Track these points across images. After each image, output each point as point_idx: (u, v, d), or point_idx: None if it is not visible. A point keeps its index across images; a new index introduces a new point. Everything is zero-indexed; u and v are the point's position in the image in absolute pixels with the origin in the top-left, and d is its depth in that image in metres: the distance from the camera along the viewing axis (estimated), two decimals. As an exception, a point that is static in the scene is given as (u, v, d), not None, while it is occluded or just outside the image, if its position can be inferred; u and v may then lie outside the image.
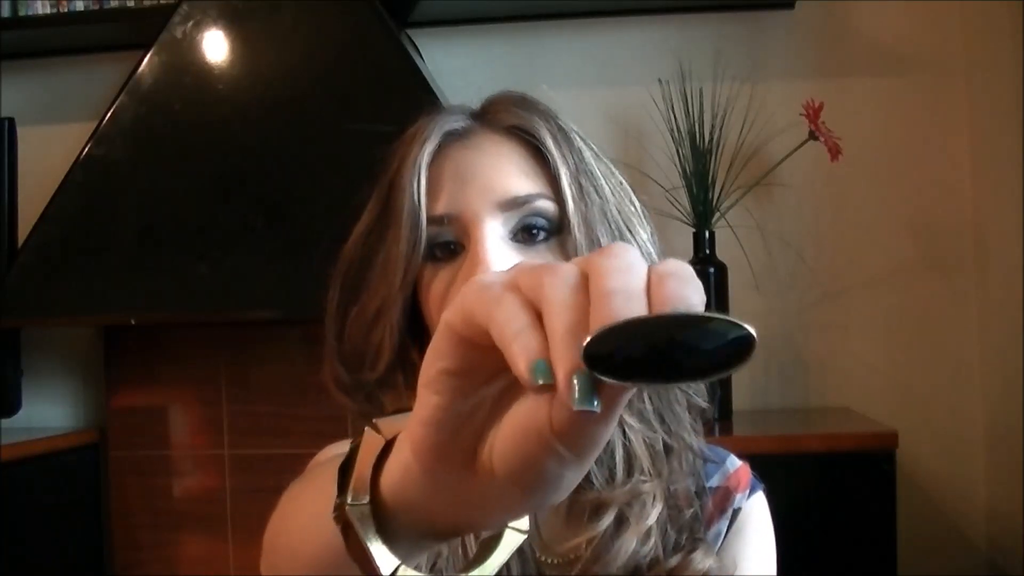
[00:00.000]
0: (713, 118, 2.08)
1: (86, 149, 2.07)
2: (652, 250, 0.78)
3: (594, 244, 0.72)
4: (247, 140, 2.04)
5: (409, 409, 0.42)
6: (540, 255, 0.72)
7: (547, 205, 0.73)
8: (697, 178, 2.05)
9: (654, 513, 0.75)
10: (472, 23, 2.33)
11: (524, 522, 0.47)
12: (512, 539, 0.47)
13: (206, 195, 2.05)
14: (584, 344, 0.36)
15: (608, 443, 0.76)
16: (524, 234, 0.73)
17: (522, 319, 0.37)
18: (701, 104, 2.09)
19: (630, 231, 0.76)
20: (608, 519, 0.74)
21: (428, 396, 0.40)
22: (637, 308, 0.36)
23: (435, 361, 0.40)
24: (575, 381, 0.36)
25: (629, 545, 0.73)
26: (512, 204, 0.72)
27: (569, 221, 0.72)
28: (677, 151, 2.08)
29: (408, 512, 0.44)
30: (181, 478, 2.32)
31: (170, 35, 2.06)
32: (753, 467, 0.89)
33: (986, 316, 2.18)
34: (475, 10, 2.29)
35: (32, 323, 2.24)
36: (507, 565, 0.70)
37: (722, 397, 2.01)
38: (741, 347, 0.38)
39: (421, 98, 1.99)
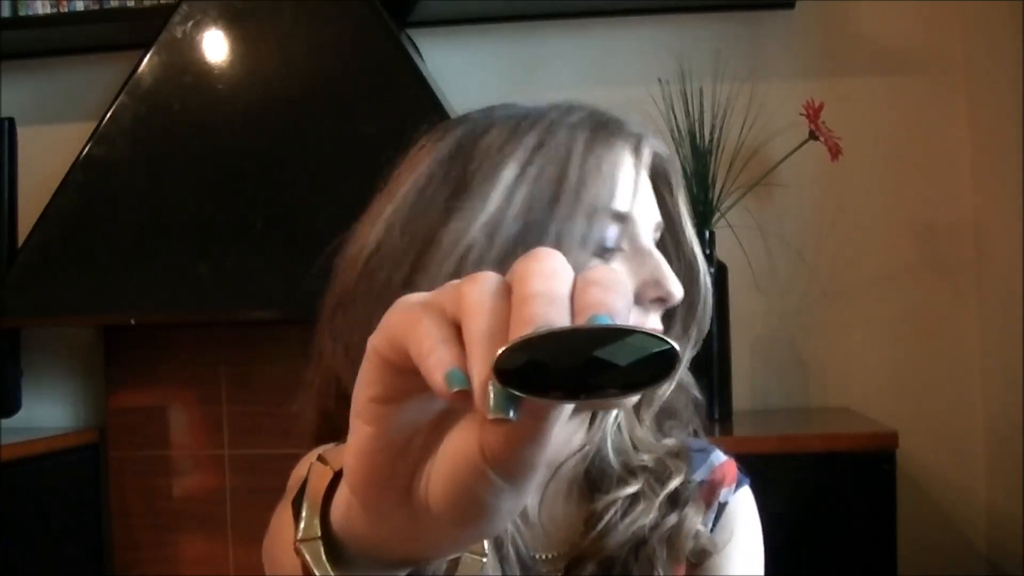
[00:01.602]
0: (713, 118, 2.08)
1: (86, 149, 2.07)
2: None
3: (695, 285, 0.78)
4: (247, 140, 2.05)
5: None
6: None
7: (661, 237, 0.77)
8: (697, 178, 2.05)
9: (652, 510, 0.76)
10: (472, 23, 2.33)
11: (483, 546, 0.46)
12: (470, 565, 0.47)
13: (206, 195, 2.05)
14: (496, 355, 0.34)
15: (623, 449, 0.78)
16: None
17: (438, 334, 0.36)
18: (701, 104, 2.09)
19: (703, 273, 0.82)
20: (611, 514, 0.75)
21: (359, 426, 0.39)
22: (557, 314, 0.35)
23: (363, 389, 0.39)
24: (490, 389, 0.35)
25: (626, 523, 0.75)
26: (658, 227, 0.75)
27: (697, 271, 0.80)
28: (677, 151, 2.08)
29: (357, 544, 0.43)
30: (181, 478, 2.32)
31: (170, 35, 2.06)
32: (753, 467, 0.89)
33: (986, 316, 2.18)
34: (475, 10, 2.29)
35: (32, 323, 2.25)
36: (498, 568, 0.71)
37: (722, 397, 2.01)
38: (663, 363, 0.36)
39: (421, 98, 1.99)
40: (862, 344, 2.24)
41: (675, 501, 0.77)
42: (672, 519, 0.76)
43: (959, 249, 2.21)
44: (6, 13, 2.28)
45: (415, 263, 0.68)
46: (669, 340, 0.35)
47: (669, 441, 0.81)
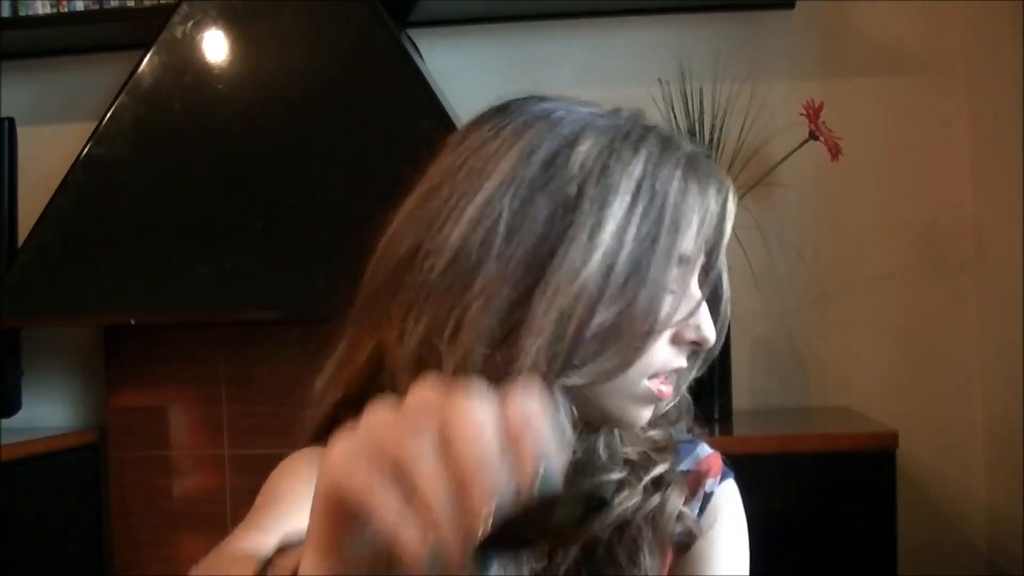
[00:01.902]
0: (713, 118, 2.08)
1: (86, 149, 2.07)
2: None
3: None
4: (247, 140, 2.05)
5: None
6: None
7: None
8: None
9: (636, 495, 0.77)
10: (472, 23, 2.33)
11: None
12: None
13: (206, 195, 2.05)
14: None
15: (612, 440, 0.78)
16: None
17: (397, 499, 0.39)
18: (701, 104, 2.09)
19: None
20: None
21: (315, 562, 0.42)
22: (501, 481, 0.38)
23: (314, 538, 0.42)
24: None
25: (608, 518, 0.76)
26: (703, 266, 0.76)
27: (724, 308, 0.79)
28: (677, 151, 2.08)
29: None
30: (181, 478, 2.32)
31: (170, 35, 2.06)
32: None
33: (986, 316, 2.18)
34: (475, 10, 2.29)
35: (32, 323, 2.25)
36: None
37: (722, 397, 2.01)
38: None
39: (421, 98, 1.99)
40: (862, 344, 2.24)
41: (658, 485, 0.78)
42: (655, 499, 0.77)
43: (959, 249, 2.21)
44: (6, 13, 2.28)
45: (528, 288, 0.66)
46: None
47: (654, 433, 0.81)
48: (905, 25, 2.24)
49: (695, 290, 0.73)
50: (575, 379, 0.67)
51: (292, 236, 2.01)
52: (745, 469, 0.86)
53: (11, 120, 2.29)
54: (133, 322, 2.10)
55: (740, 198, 2.24)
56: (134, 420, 2.33)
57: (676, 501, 0.78)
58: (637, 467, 0.79)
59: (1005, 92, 2.00)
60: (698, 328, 0.72)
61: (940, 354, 2.21)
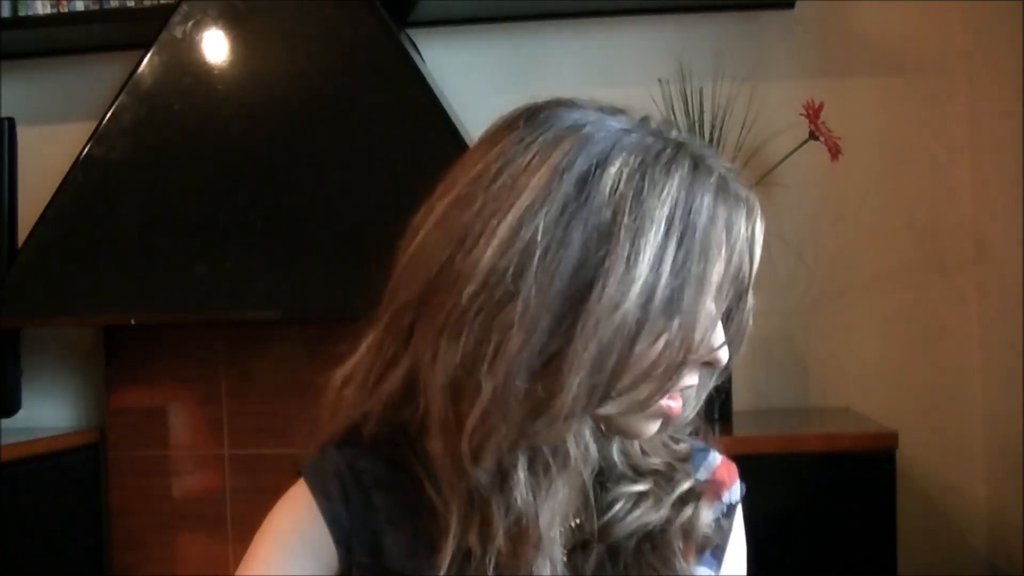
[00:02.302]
0: (713, 118, 2.08)
1: (86, 149, 2.07)
2: None
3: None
4: (247, 140, 2.04)
5: None
6: None
7: None
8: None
9: (662, 507, 0.78)
10: (472, 23, 2.33)
11: None
12: None
13: (206, 195, 2.05)
14: None
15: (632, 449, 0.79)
16: None
17: None
18: (701, 104, 2.09)
19: None
20: (619, 507, 0.77)
21: None
22: None
23: None
24: None
25: (633, 512, 0.77)
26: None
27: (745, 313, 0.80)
28: (677, 151, 2.08)
29: None
30: (181, 478, 2.32)
31: (170, 35, 2.06)
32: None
33: (986, 316, 2.18)
34: (475, 10, 2.29)
35: (32, 323, 2.25)
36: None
37: (722, 397, 2.01)
38: None
39: (421, 98, 1.99)
40: (862, 344, 2.24)
41: (685, 500, 0.79)
42: (688, 512, 0.78)
43: (959, 249, 2.21)
44: (6, 13, 2.28)
45: (567, 320, 0.65)
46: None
47: (680, 446, 0.83)
48: (905, 25, 2.24)
49: (712, 309, 0.72)
50: (610, 409, 0.70)
51: (292, 236, 2.01)
52: (745, 469, 0.87)
53: (11, 120, 2.29)
54: (133, 322, 2.10)
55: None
56: (134, 420, 2.33)
57: (708, 515, 0.79)
58: (662, 478, 0.80)
59: (1005, 92, 2.00)
60: (711, 349, 0.72)
61: (940, 354, 2.21)
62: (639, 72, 2.23)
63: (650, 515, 0.77)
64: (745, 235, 0.72)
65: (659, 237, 0.67)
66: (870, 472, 1.81)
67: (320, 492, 0.77)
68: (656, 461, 0.80)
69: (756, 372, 2.24)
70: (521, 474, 0.69)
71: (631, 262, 0.66)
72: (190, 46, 2.07)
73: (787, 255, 2.23)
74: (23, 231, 2.16)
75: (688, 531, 0.78)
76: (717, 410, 1.98)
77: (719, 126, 2.08)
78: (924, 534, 2.10)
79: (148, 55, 2.06)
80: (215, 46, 2.07)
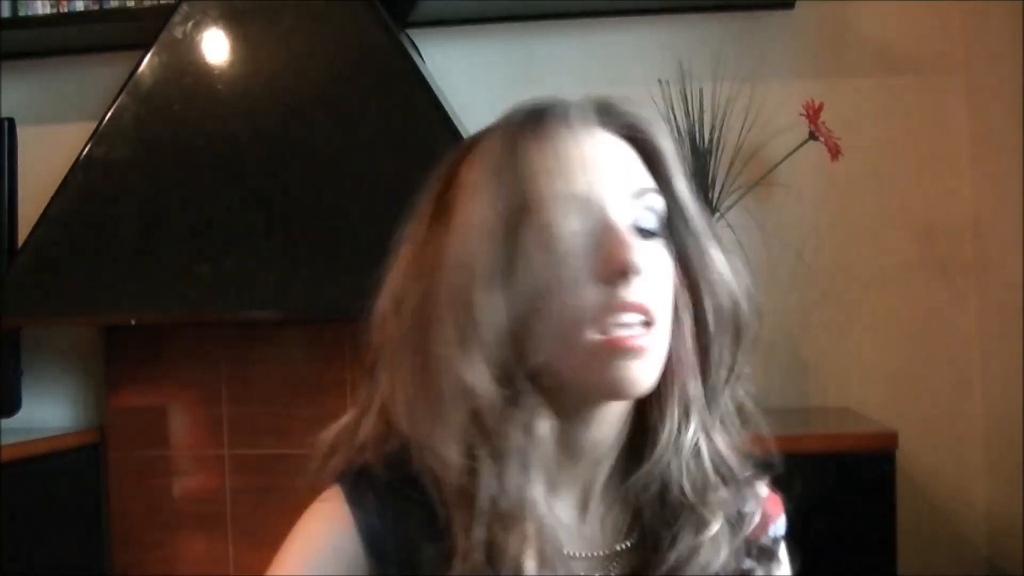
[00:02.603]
0: (713, 118, 2.08)
1: (86, 149, 2.07)
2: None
3: (704, 255, 0.74)
4: (247, 140, 2.04)
5: None
6: (655, 252, 0.72)
7: (660, 202, 0.73)
8: (697, 178, 2.05)
9: (718, 522, 0.75)
10: (472, 23, 2.33)
11: None
12: None
13: (206, 195, 2.05)
14: None
15: (697, 448, 0.76)
16: (640, 229, 0.72)
17: None
18: (701, 104, 2.09)
19: (724, 254, 0.76)
20: (684, 543, 0.74)
21: None
22: None
23: None
24: None
25: (702, 558, 0.73)
26: (638, 194, 0.72)
27: (690, 224, 0.74)
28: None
29: None
30: (181, 478, 2.32)
31: (170, 35, 2.06)
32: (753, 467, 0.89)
33: (986, 316, 2.18)
34: (475, 10, 2.29)
35: (32, 323, 2.25)
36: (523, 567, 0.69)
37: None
38: None
39: (421, 98, 1.99)
40: (862, 344, 2.24)
41: (751, 552, 0.78)
42: (749, 565, 0.77)
43: (959, 249, 2.21)
44: (6, 13, 2.28)
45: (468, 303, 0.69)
46: None
47: (746, 472, 0.80)
48: (905, 25, 2.24)
49: (608, 219, 0.70)
50: (535, 359, 0.69)
51: (292, 236, 2.01)
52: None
53: (11, 120, 2.29)
54: (133, 322, 2.10)
55: (740, 198, 2.23)
56: (134, 420, 2.33)
57: (768, 568, 0.79)
58: (728, 518, 0.76)
59: (1005, 92, 2.00)
60: (611, 256, 0.68)
61: (940, 354, 2.21)
62: (639, 72, 2.23)
63: (714, 562, 0.73)
64: (563, 137, 0.72)
65: (489, 191, 0.70)
66: (870, 472, 1.81)
67: (356, 502, 0.74)
68: (725, 493, 0.77)
69: (756, 372, 2.23)
70: (488, 470, 0.68)
71: (460, 221, 0.71)
72: (190, 46, 2.07)
73: (787, 255, 2.23)
74: (23, 231, 2.16)
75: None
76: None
77: (719, 126, 2.08)
78: (924, 534, 2.10)
79: (148, 55, 2.06)
80: (215, 46, 2.07)
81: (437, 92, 2.05)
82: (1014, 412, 1.95)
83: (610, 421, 0.74)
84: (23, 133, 2.31)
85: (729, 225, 2.09)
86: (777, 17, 2.25)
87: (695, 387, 0.76)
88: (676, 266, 0.73)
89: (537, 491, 0.68)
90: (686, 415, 0.75)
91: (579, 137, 0.72)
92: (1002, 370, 2.06)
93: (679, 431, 0.74)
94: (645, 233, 0.71)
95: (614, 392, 0.70)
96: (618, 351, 0.68)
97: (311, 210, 2.01)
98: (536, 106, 0.73)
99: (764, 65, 2.23)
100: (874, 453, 1.82)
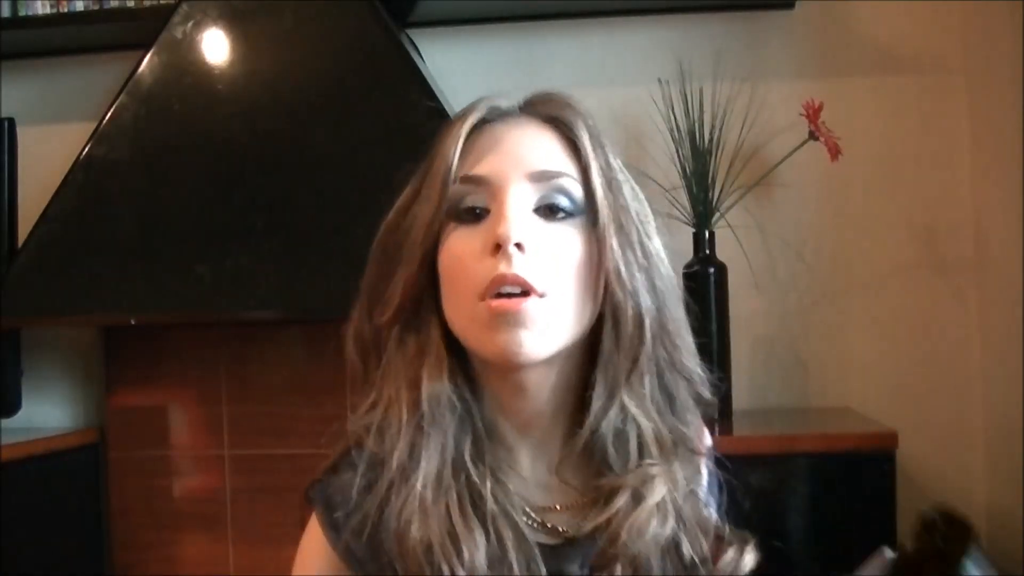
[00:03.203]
0: (713, 118, 2.08)
1: (86, 149, 2.07)
2: (664, 258, 0.82)
3: (622, 232, 0.78)
4: (247, 140, 2.04)
5: None
6: (558, 232, 0.77)
7: (574, 185, 0.78)
8: (697, 178, 2.05)
9: (660, 491, 0.77)
10: (472, 23, 2.33)
11: None
12: None
13: (206, 195, 2.05)
14: None
15: (624, 432, 0.78)
16: (546, 210, 0.77)
17: None
18: (701, 104, 2.09)
19: (648, 235, 0.81)
20: (622, 499, 0.77)
21: None
22: None
23: None
24: None
25: (644, 522, 0.76)
26: (541, 176, 0.77)
27: (597, 207, 0.77)
28: (677, 151, 2.08)
29: None
30: (181, 478, 2.32)
31: (170, 35, 2.06)
32: (753, 467, 0.89)
33: (986, 316, 2.18)
34: (475, 10, 2.29)
35: (32, 323, 2.24)
36: (503, 544, 0.74)
37: (722, 397, 2.00)
38: None
39: (421, 98, 1.99)
40: (862, 344, 2.23)
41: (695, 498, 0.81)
42: (701, 511, 0.80)
43: (959, 249, 2.21)
44: (6, 13, 2.28)
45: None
46: None
47: (684, 428, 0.83)
48: (905, 25, 2.24)
49: (500, 199, 0.76)
50: (454, 330, 0.78)
51: (292, 236, 2.01)
52: (745, 469, 0.87)
53: (11, 120, 2.29)
54: (133, 322, 2.10)
55: (740, 198, 2.23)
56: (134, 420, 2.33)
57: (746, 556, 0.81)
58: (674, 473, 0.80)
59: (1005, 92, 2.00)
60: (491, 231, 0.75)
61: (940, 354, 2.21)
62: (639, 72, 2.23)
63: (661, 528, 0.76)
64: (470, 124, 0.79)
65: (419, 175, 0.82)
66: (870, 472, 1.81)
67: (329, 526, 0.80)
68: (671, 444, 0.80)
69: (756, 372, 2.24)
70: (404, 434, 0.77)
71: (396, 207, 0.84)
72: (190, 46, 2.07)
73: (787, 255, 2.23)
74: (23, 231, 2.16)
75: (705, 526, 0.79)
76: (717, 409, 1.98)
77: (719, 126, 2.08)
78: (924, 534, 2.10)
79: (148, 55, 2.06)
80: (215, 46, 2.07)
81: (437, 92, 2.04)
82: (1014, 412, 1.94)
83: (544, 390, 0.79)
84: (23, 133, 2.31)
85: (729, 225, 2.10)
86: (777, 17, 2.25)
87: (621, 366, 0.78)
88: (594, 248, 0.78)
89: (467, 455, 0.76)
90: (611, 393, 0.78)
91: (497, 125, 0.79)
92: (1002, 370, 2.06)
93: (606, 407, 0.78)
94: (551, 213, 0.77)
95: (503, 358, 0.75)
96: (498, 315, 0.73)
97: (311, 210, 2.01)
98: (476, 100, 0.81)
99: (764, 65, 2.23)
100: (874, 453, 1.82)
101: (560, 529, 0.79)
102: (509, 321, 0.73)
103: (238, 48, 2.08)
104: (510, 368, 0.76)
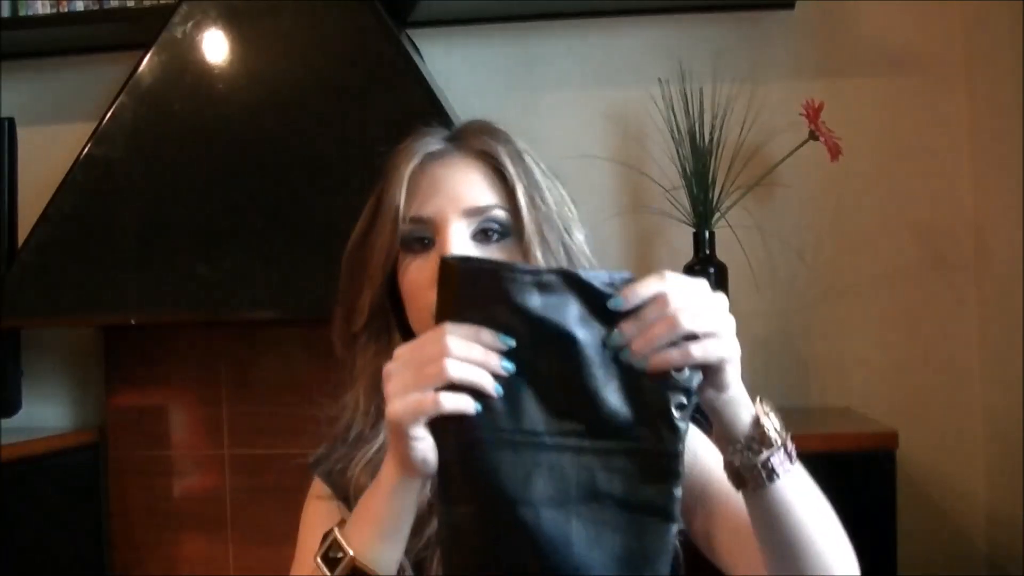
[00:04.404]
0: (713, 118, 2.08)
1: (86, 149, 2.07)
2: (587, 250, 0.95)
3: (544, 242, 0.90)
4: (247, 140, 2.04)
5: None
6: (493, 252, 0.90)
7: (502, 214, 0.90)
8: (697, 178, 2.05)
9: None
10: (472, 23, 2.33)
11: None
12: None
13: (206, 195, 2.05)
14: None
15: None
16: (482, 235, 0.90)
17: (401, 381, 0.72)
18: (701, 104, 2.09)
19: (569, 233, 0.94)
20: None
21: None
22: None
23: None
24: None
25: None
26: (474, 212, 0.90)
27: (523, 227, 0.90)
28: (677, 151, 2.08)
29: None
30: (181, 478, 2.32)
31: (170, 35, 2.06)
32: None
33: (986, 316, 2.18)
34: (475, 10, 2.29)
35: (32, 323, 2.24)
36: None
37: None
38: None
39: (421, 98, 1.99)
40: (862, 344, 2.23)
41: None
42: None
43: (959, 249, 2.21)
44: (6, 13, 2.28)
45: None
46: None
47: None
48: (905, 25, 2.24)
49: (442, 235, 0.89)
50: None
51: (292, 236, 2.01)
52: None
53: (11, 120, 2.29)
54: (133, 322, 2.10)
55: (740, 198, 2.23)
56: (134, 420, 2.33)
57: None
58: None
59: (1005, 92, 2.00)
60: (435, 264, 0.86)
61: (940, 354, 2.21)
62: (639, 72, 2.23)
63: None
64: (407, 167, 0.93)
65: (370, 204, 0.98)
66: (870, 472, 1.81)
67: (325, 479, 0.97)
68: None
69: (756, 372, 2.23)
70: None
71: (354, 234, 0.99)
72: (190, 46, 2.07)
73: (787, 255, 2.23)
74: (23, 231, 2.16)
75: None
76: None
77: (719, 126, 2.08)
78: (924, 534, 2.10)
79: (148, 55, 2.06)
80: (215, 46, 2.07)
81: (437, 92, 2.05)
82: (1014, 412, 1.95)
83: None
84: (23, 133, 2.31)
85: (729, 225, 2.10)
86: (777, 17, 2.25)
87: None
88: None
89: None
90: None
91: (434, 166, 0.93)
92: (1002, 370, 2.06)
93: None
94: (487, 237, 0.90)
95: None
96: None
97: (311, 210, 2.01)
98: (411, 142, 0.97)
99: (764, 65, 2.23)
100: (874, 453, 1.82)
101: None
102: None
103: (238, 48, 2.08)
104: None
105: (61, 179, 2.08)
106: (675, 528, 0.72)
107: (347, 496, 0.93)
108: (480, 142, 0.95)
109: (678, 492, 0.71)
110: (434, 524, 0.85)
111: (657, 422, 0.70)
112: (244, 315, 2.08)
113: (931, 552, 2.11)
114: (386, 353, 0.88)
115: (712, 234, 2.05)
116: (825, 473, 1.90)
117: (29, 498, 2.12)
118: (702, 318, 0.70)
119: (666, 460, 0.71)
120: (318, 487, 0.98)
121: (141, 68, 2.06)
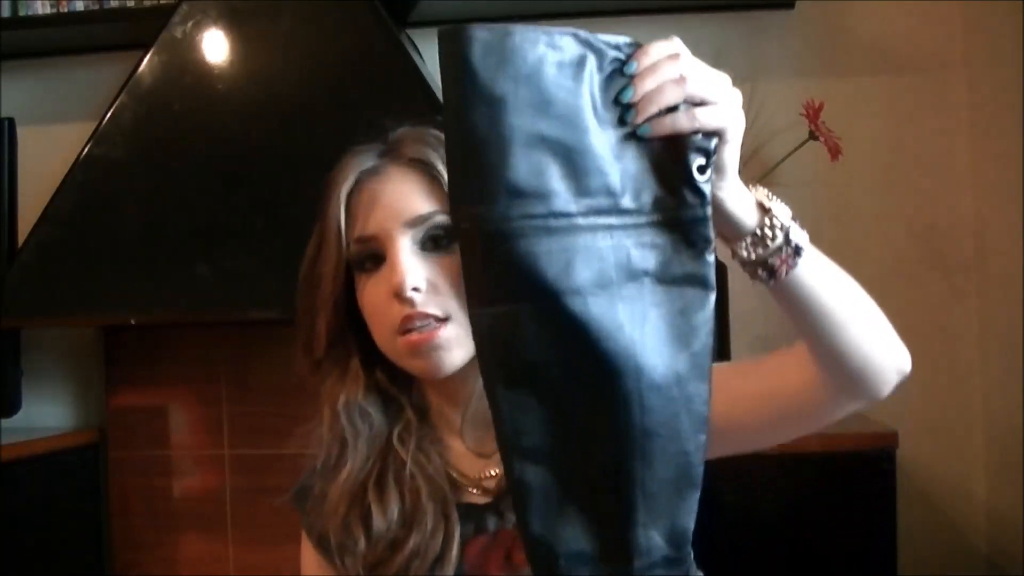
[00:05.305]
0: (713, 118, 2.08)
1: (86, 149, 2.07)
2: None
3: None
4: (247, 140, 2.04)
5: None
6: (442, 260, 0.88)
7: (444, 219, 0.89)
8: (697, 178, 2.05)
9: None
10: (472, 23, 2.32)
11: None
12: None
13: (206, 195, 2.05)
14: None
15: None
16: (431, 243, 0.89)
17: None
18: (701, 104, 2.08)
19: None
20: None
21: None
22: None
23: None
24: None
25: None
26: (416, 221, 0.89)
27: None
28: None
29: None
30: (181, 478, 2.32)
31: (170, 35, 2.06)
32: (753, 467, 0.89)
33: (986, 316, 2.18)
34: (475, 10, 2.29)
35: (32, 323, 2.25)
36: (417, 498, 0.88)
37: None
38: None
39: (421, 98, 1.99)
40: (862, 344, 2.23)
41: None
42: None
43: (959, 249, 2.21)
44: (6, 13, 2.28)
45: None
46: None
47: None
48: (905, 25, 2.24)
49: (391, 253, 0.88)
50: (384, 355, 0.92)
51: (292, 236, 2.00)
52: (746, 469, 0.87)
53: (11, 120, 2.29)
54: (133, 322, 2.10)
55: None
56: (134, 420, 2.33)
57: None
58: None
59: (1005, 92, 2.00)
60: (389, 281, 0.87)
61: (940, 354, 2.21)
62: (639, 72, 2.22)
63: None
64: (344, 188, 0.96)
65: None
66: (870, 472, 1.81)
67: (309, 530, 0.97)
68: None
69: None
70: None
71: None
72: (190, 46, 2.07)
73: (787, 255, 2.23)
74: (23, 231, 2.16)
75: None
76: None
77: (719, 126, 2.08)
78: (924, 534, 2.10)
79: (148, 55, 2.06)
80: (215, 46, 2.07)
81: (437, 92, 2.05)
82: (1014, 412, 1.95)
83: (467, 381, 0.90)
84: (23, 133, 2.31)
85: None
86: (777, 17, 2.25)
87: None
88: None
89: (395, 439, 0.92)
90: None
91: (371, 182, 0.94)
92: (1002, 370, 2.06)
93: None
94: (434, 244, 0.89)
95: (427, 375, 0.89)
96: (414, 348, 0.86)
97: (311, 210, 2.01)
98: (344, 163, 0.99)
99: (764, 65, 2.23)
100: (874, 453, 1.82)
101: (490, 489, 0.92)
102: (424, 350, 0.86)
103: (238, 48, 2.08)
104: (432, 379, 0.91)
105: (61, 179, 2.08)
106: (713, 296, 0.69)
107: (323, 537, 0.92)
108: (413, 150, 0.95)
109: (711, 258, 0.68)
110: (410, 545, 0.86)
111: (680, 187, 0.67)
112: (244, 315, 2.08)
113: (931, 552, 2.11)
114: (348, 378, 0.92)
115: (712, 234, 2.05)
116: (825, 473, 1.91)
117: (29, 498, 2.12)
118: (710, 84, 0.68)
119: (695, 225, 0.68)
120: (305, 538, 0.99)
121: (141, 68, 2.06)
